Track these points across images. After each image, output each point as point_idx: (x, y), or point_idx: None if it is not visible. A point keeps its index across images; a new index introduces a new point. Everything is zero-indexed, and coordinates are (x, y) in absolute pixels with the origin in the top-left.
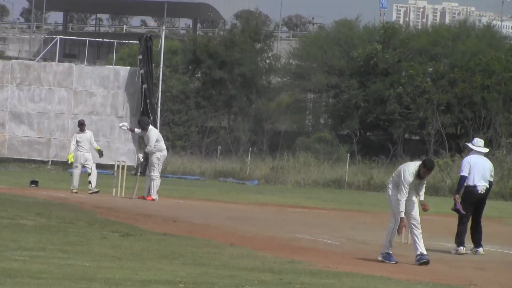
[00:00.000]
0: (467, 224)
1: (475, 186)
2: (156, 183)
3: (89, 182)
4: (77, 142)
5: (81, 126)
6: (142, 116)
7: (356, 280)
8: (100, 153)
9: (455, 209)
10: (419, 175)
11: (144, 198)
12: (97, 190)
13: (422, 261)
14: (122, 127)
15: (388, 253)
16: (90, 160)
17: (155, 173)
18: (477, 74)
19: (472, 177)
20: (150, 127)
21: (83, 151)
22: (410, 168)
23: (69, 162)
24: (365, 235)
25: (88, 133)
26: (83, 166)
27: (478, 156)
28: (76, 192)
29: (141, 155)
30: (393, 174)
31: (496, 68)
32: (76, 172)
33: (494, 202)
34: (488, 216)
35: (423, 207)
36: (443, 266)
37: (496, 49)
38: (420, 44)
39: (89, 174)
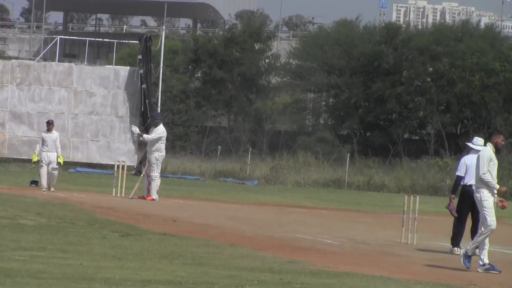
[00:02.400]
0: (463, 225)
1: (470, 186)
2: (156, 183)
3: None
4: (42, 140)
5: (49, 125)
6: (155, 111)
7: (356, 280)
8: (59, 164)
9: (448, 208)
10: (497, 149)
11: (144, 198)
12: (53, 190)
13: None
14: (134, 131)
15: (489, 264)
16: (54, 161)
17: (155, 173)
18: (476, 74)
19: (468, 176)
20: (161, 125)
21: (47, 150)
22: (486, 149)
23: (33, 161)
24: (365, 235)
25: (54, 134)
26: (49, 165)
27: (476, 156)
28: (45, 191)
29: (137, 129)
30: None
31: (496, 68)
32: (43, 171)
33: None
34: None
35: (501, 205)
36: (443, 266)
37: (497, 48)
38: (421, 44)
39: (50, 174)
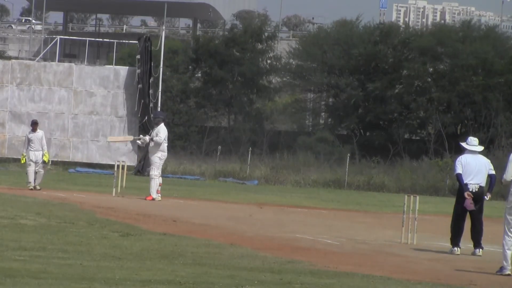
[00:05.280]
0: (460, 224)
1: (466, 185)
2: (155, 182)
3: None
4: (28, 140)
5: (34, 125)
6: (158, 110)
7: (356, 280)
8: (44, 162)
9: (465, 206)
10: None
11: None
12: (40, 188)
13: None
14: (139, 142)
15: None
16: (40, 160)
17: (155, 172)
18: (479, 74)
19: (464, 176)
20: (162, 124)
21: (33, 150)
22: None
23: (22, 162)
24: (365, 235)
25: (39, 133)
26: (36, 163)
27: (472, 155)
28: (31, 189)
29: (147, 137)
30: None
31: (500, 69)
32: (30, 169)
33: (494, 202)
34: (488, 216)
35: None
36: (443, 266)
37: (500, 50)
38: (423, 44)
39: (36, 173)
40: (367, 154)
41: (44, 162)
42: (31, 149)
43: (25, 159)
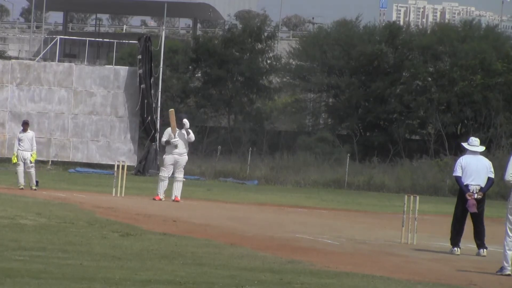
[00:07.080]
0: (462, 224)
1: (467, 186)
2: (163, 184)
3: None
4: (19, 140)
5: (24, 126)
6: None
7: (356, 280)
8: (30, 162)
9: (467, 207)
10: None
11: (177, 200)
12: (35, 188)
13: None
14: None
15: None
16: (28, 160)
17: (182, 174)
18: (478, 74)
19: (465, 177)
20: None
21: (23, 149)
22: None
23: (13, 162)
24: (365, 235)
25: (30, 133)
26: (24, 164)
27: (472, 156)
28: (22, 188)
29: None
30: None
31: (499, 68)
32: (20, 169)
33: (494, 202)
34: (488, 216)
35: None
36: (443, 266)
37: (499, 50)
38: (424, 43)
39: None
40: (367, 154)
41: (30, 162)
42: (20, 149)
43: (16, 158)
